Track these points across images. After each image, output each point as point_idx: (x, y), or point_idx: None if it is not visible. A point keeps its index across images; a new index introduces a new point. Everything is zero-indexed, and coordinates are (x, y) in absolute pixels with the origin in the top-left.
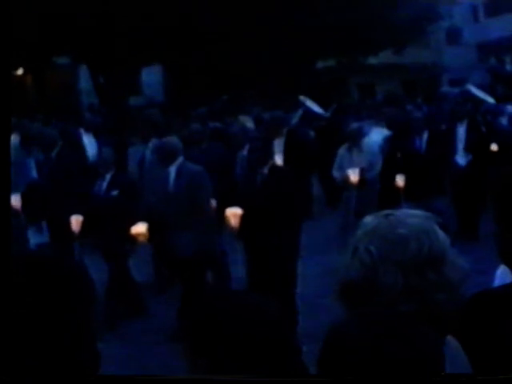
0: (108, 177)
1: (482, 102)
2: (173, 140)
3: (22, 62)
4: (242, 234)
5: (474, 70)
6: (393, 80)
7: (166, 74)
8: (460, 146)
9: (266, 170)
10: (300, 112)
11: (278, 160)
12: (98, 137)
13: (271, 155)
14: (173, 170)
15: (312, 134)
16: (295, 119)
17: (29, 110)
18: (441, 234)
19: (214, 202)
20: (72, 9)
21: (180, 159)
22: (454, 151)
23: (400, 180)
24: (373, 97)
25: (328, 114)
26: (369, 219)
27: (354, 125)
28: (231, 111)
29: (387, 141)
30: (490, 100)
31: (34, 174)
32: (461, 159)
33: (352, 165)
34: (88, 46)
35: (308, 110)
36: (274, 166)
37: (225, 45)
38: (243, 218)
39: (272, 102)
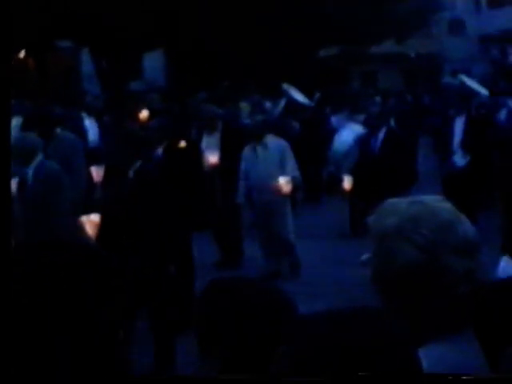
0: (31, 169)
1: (476, 94)
2: (30, 136)
3: (23, 44)
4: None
5: (476, 61)
6: (394, 70)
7: (168, 59)
8: (457, 143)
9: (131, 174)
10: (283, 102)
11: (212, 158)
12: (99, 121)
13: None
14: (30, 171)
15: (296, 125)
16: (278, 109)
17: (30, 93)
18: None
19: None
20: None
21: (39, 158)
22: (415, 154)
23: (347, 182)
24: (374, 86)
25: (312, 104)
26: (401, 206)
27: (258, 117)
28: (232, 98)
29: (358, 140)
30: (484, 92)
31: None
32: (459, 159)
33: (259, 168)
34: (90, 30)
35: (291, 100)
36: (140, 170)
37: (226, 31)
38: (102, 226)
39: (272, 89)
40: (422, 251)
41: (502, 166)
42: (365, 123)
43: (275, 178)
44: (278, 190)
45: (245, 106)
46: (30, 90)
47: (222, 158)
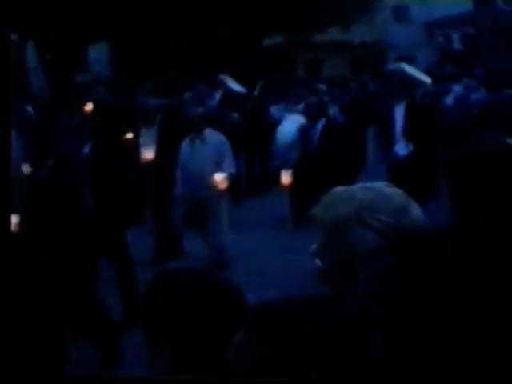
0: None
1: (417, 81)
2: None
3: None
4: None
5: (421, 47)
6: (340, 57)
7: (113, 50)
8: (399, 132)
9: (50, 162)
10: (219, 93)
11: (148, 154)
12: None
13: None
14: None
15: (236, 116)
16: (214, 101)
17: None
18: None
19: None
20: None
21: None
22: (359, 143)
23: (285, 176)
24: (320, 74)
25: (255, 94)
26: (354, 193)
27: (199, 110)
28: (176, 88)
29: (301, 131)
30: (426, 80)
31: None
32: (401, 149)
33: (196, 162)
34: (35, 23)
35: (229, 91)
36: (56, 162)
37: (171, 21)
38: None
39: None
40: (382, 236)
41: (450, 151)
42: (304, 114)
43: (211, 174)
44: (213, 187)
45: (189, 97)
46: None
47: (158, 151)
